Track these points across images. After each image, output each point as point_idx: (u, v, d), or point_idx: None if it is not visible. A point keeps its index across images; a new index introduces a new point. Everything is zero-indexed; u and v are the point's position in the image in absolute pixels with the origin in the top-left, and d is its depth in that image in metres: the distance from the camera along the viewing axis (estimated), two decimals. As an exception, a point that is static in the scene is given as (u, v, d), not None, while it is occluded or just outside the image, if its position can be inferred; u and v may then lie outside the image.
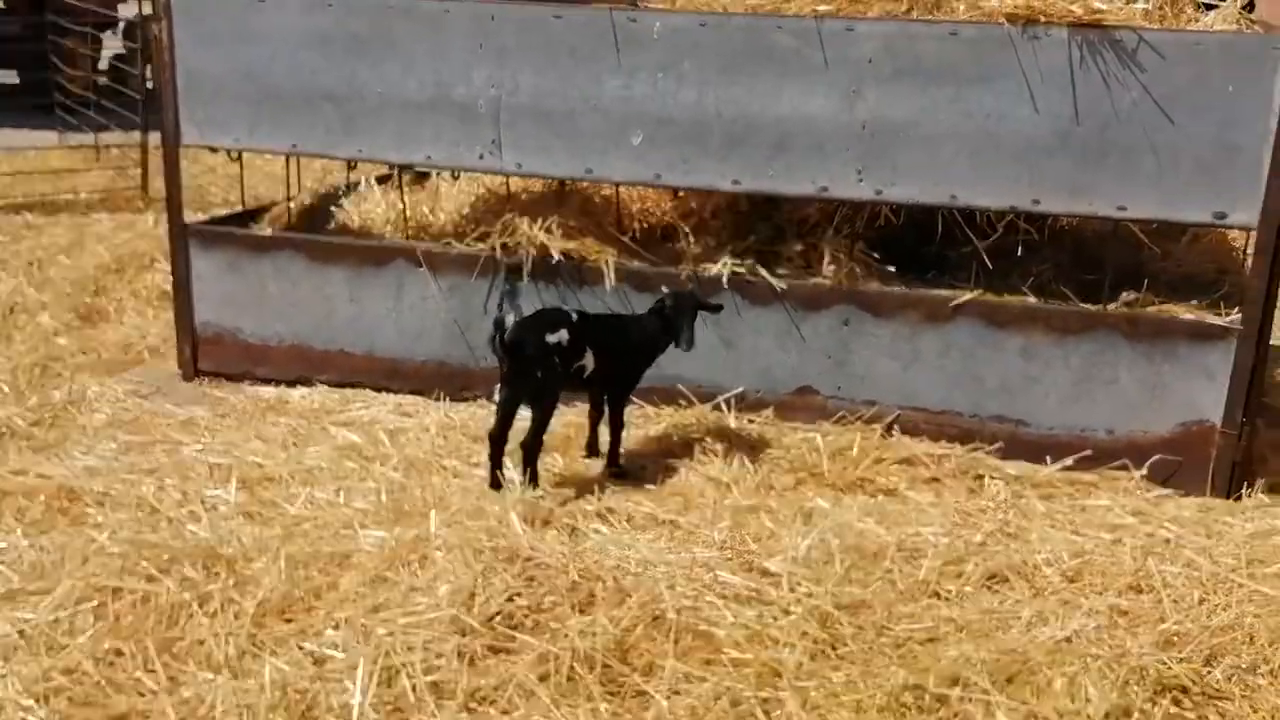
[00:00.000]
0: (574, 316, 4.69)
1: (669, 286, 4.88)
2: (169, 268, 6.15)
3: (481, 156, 5.31)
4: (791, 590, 3.89)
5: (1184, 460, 4.83)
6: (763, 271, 5.20)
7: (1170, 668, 3.46)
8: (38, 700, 3.28)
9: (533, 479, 4.60)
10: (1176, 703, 3.38)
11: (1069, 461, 4.94)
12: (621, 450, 4.95)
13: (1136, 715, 3.26)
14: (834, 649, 3.63)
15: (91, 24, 11.55)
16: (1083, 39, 4.52)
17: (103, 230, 8.52)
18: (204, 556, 3.96)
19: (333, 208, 6.31)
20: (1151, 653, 3.53)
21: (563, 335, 4.55)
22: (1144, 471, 4.87)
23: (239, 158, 5.99)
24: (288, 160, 6.17)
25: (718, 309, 4.85)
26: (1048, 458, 4.96)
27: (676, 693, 3.41)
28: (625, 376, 4.91)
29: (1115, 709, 3.28)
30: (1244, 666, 3.56)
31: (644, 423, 5.35)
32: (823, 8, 5.08)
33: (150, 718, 3.23)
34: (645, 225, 5.73)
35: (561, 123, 5.15)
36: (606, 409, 4.94)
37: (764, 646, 3.59)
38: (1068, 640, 3.61)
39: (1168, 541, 4.44)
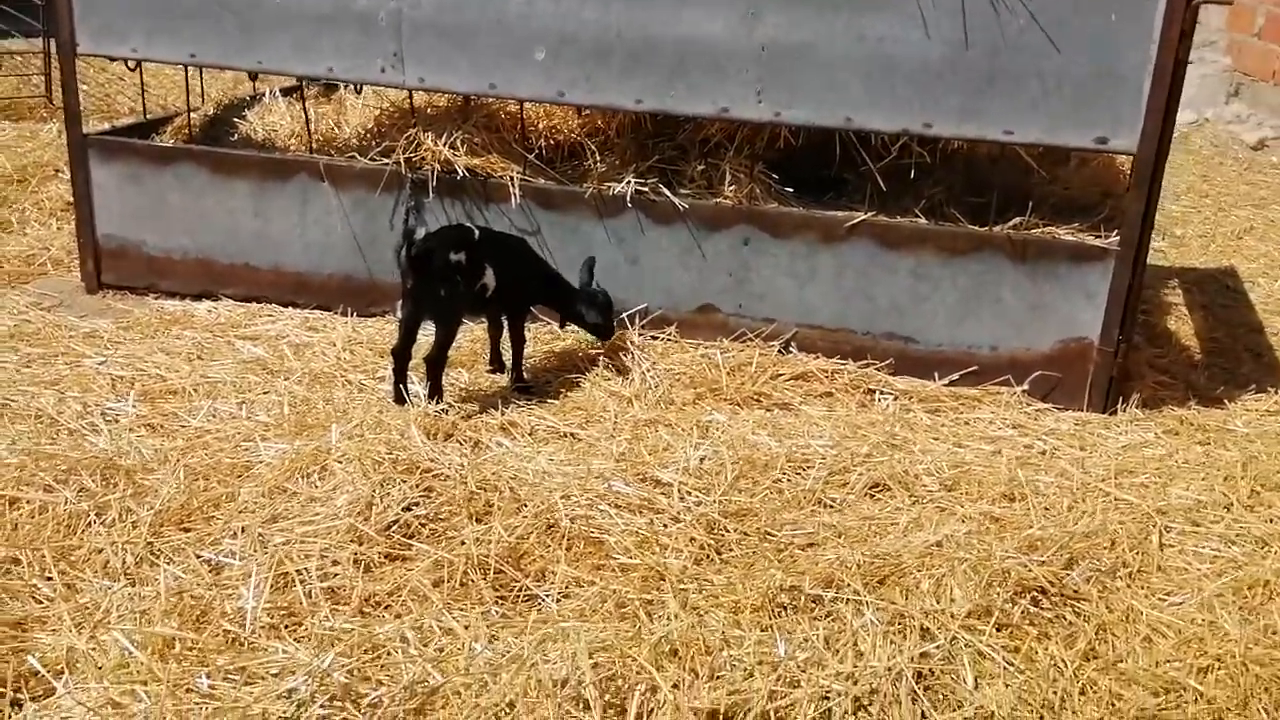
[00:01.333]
0: (476, 234, 4.74)
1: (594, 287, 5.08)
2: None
3: (384, 70, 5.27)
4: (681, 499, 4.05)
5: (1063, 376, 5.06)
6: (666, 191, 5.28)
7: (1031, 570, 3.67)
8: (-68, 608, 3.34)
9: (436, 394, 4.68)
10: (1035, 602, 3.59)
11: (955, 377, 5.15)
12: (526, 365, 5.05)
13: (996, 614, 3.46)
14: (719, 554, 3.81)
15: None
16: (975, -36, 4.62)
17: (5, 139, 8.25)
18: (103, 467, 3.99)
19: (236, 119, 6.22)
20: (1015, 556, 3.74)
21: (462, 255, 4.60)
22: (1025, 387, 5.09)
23: (138, 67, 5.86)
24: (187, 71, 6.05)
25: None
26: (935, 374, 5.16)
27: (566, 596, 3.57)
28: (526, 296, 4.99)
29: (977, 608, 3.48)
30: (1103, 569, 3.78)
31: (549, 339, 5.45)
32: (724, -72, 5.09)
33: (47, 623, 3.30)
34: (552, 142, 5.74)
35: (464, 37, 5.13)
36: (507, 326, 5.03)
37: (652, 552, 3.75)
38: (938, 545, 3.80)
39: (1043, 453, 4.68)
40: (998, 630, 3.43)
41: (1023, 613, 3.53)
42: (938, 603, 3.51)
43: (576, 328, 5.24)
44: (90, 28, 5.50)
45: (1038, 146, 5.00)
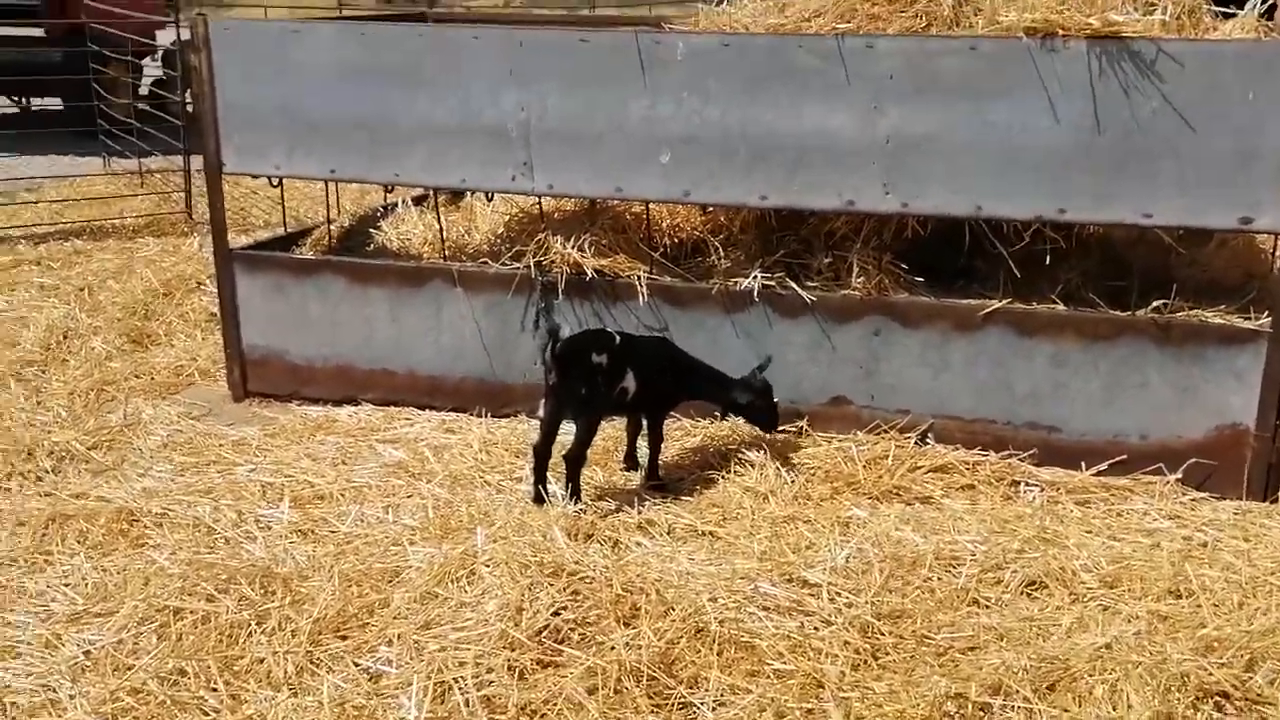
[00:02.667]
0: (616, 339, 4.80)
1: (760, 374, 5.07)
2: (215, 291, 6.33)
3: (514, 178, 5.43)
4: (832, 600, 3.98)
5: (1218, 463, 4.87)
6: (792, 284, 5.29)
7: (1211, 673, 3.51)
8: (107, 720, 3.44)
9: (575, 493, 4.71)
10: (1219, 708, 3.43)
11: (1103, 467, 4.99)
12: (660, 463, 5.06)
13: (1179, 720, 3.32)
14: (875, 658, 3.72)
15: (131, 51, 11.80)
16: (1101, 50, 4.58)
17: (149, 254, 8.73)
18: (260, 575, 4.10)
19: (371, 229, 6.46)
20: (1192, 658, 3.57)
21: (604, 358, 4.66)
22: (1179, 475, 4.91)
23: (279, 183, 6.15)
24: (326, 185, 6.32)
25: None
26: (1082, 464, 5.01)
27: (721, 704, 3.51)
28: (664, 398, 5.01)
29: (1157, 715, 3.33)
30: (1286, 671, 3.61)
31: (681, 435, 5.45)
32: (843, 26, 5.16)
33: (216, 735, 3.37)
34: (676, 240, 5.82)
35: (590, 144, 5.27)
36: (645, 423, 5.05)
37: (806, 657, 3.67)
38: (1108, 647, 3.65)
39: (1205, 545, 4.48)
40: (1181, 738, 3.27)
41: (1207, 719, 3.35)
42: (1114, 710, 3.37)
43: (738, 418, 5.19)
44: (234, 148, 5.80)
45: (1178, 229, 4.89)
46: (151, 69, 14.21)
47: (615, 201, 5.70)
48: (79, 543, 4.51)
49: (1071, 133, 4.67)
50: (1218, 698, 3.43)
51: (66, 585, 4.21)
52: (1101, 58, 4.57)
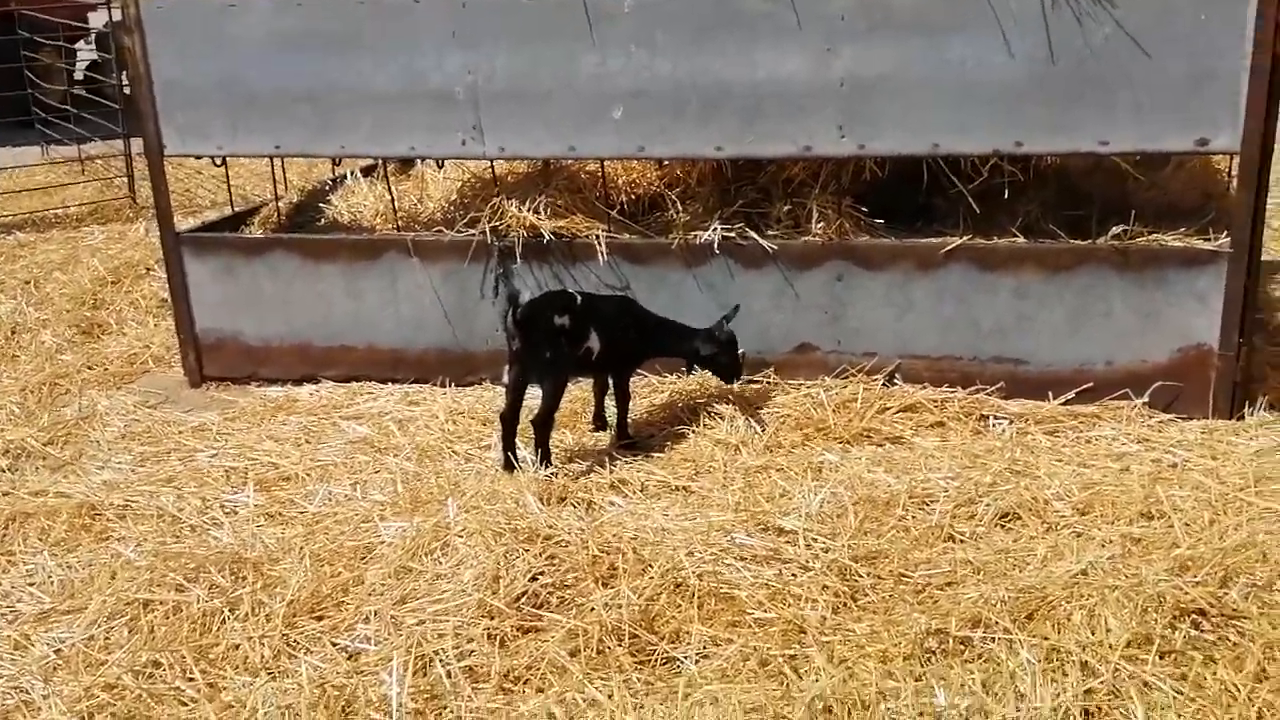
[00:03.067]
0: (578, 299, 4.73)
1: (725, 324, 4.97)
2: (165, 276, 6.18)
3: (464, 143, 5.32)
4: (808, 546, 3.96)
5: (1184, 385, 4.90)
6: (753, 234, 5.24)
7: (1187, 592, 3.52)
8: (82, 718, 3.36)
9: (545, 457, 4.67)
10: (1196, 626, 3.44)
11: (1070, 395, 5.01)
12: (629, 421, 5.02)
13: (1158, 641, 3.31)
14: (855, 600, 3.71)
15: (63, 36, 11.49)
16: (1053, -22, 4.54)
17: (95, 243, 8.54)
18: (230, 562, 4.02)
19: (321, 204, 6.34)
20: (1167, 578, 3.59)
21: (567, 319, 4.60)
22: (1145, 399, 4.94)
23: (223, 162, 6.00)
24: (271, 161, 6.18)
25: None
26: (1049, 394, 5.03)
27: (705, 656, 3.49)
28: (629, 356, 4.96)
29: (1136, 637, 3.34)
30: (1260, 584, 3.61)
31: (648, 393, 5.41)
32: (792, -33, 5.08)
33: (195, 725, 3.31)
34: (633, 197, 5.75)
35: (540, 103, 5.17)
36: (611, 383, 5.00)
37: (786, 604, 3.66)
38: (1083, 573, 3.68)
39: (1174, 466, 4.52)
40: (1161, 658, 3.29)
41: (1184, 638, 3.38)
42: (1093, 635, 3.38)
43: (704, 371, 5.14)
44: (175, 129, 5.64)
45: (1135, 154, 4.88)
46: (84, 53, 13.84)
47: (569, 161, 5.61)
48: (41, 540, 4.41)
49: (1026, 64, 4.64)
50: (1194, 615, 3.45)
51: (31, 585, 4.11)
52: (1052, -14, 4.53)
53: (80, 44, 13.25)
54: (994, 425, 4.92)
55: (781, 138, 4.98)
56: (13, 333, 6.74)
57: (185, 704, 3.41)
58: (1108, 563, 3.74)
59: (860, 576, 3.81)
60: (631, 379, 5.05)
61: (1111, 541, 3.93)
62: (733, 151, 5.10)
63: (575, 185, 5.64)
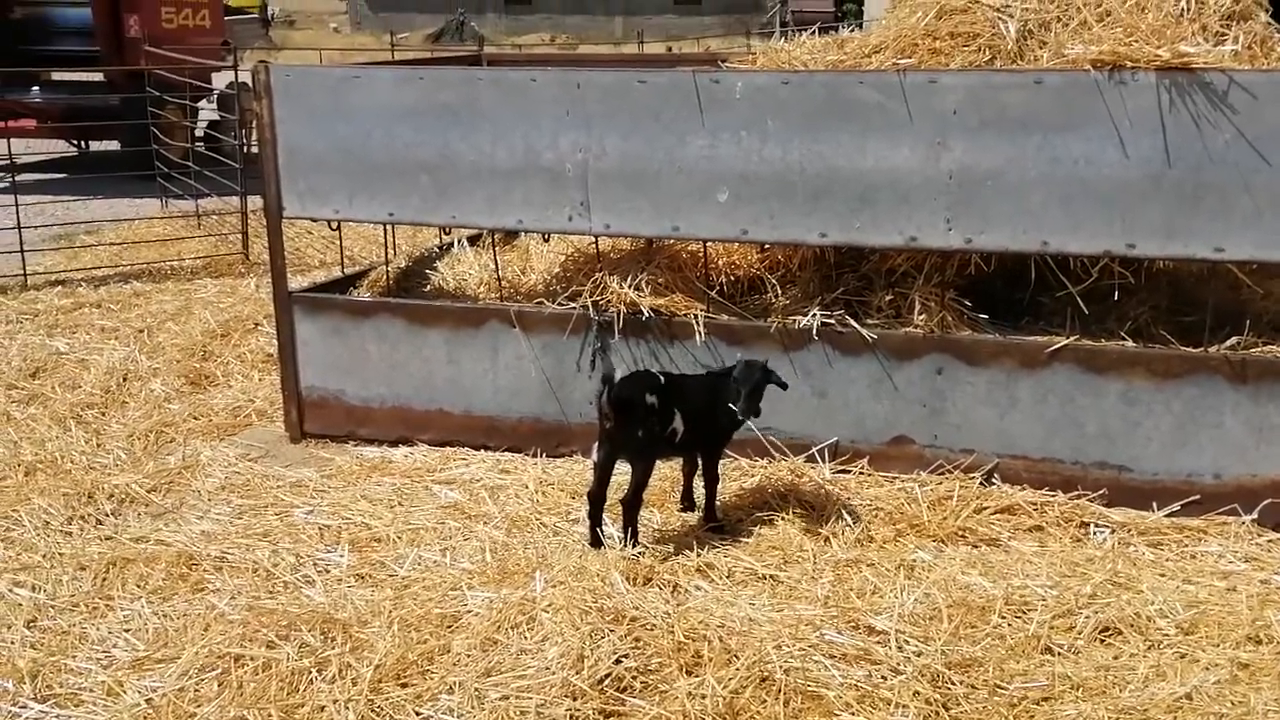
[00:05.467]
0: (662, 380, 4.74)
1: (746, 357, 4.86)
2: (273, 332, 6.36)
3: (571, 218, 5.42)
4: (900, 648, 3.88)
5: (1296, 504, 4.72)
6: (852, 322, 5.22)
7: (1297, 725, 3.39)
8: (171, 769, 3.42)
9: (633, 536, 4.66)
10: (1305, 760, 3.31)
11: (1176, 507, 4.85)
12: (718, 504, 4.99)
13: (1264, 775, 3.19)
14: (946, 709, 3.61)
15: (188, 95, 12.05)
16: (1171, 82, 4.49)
17: (207, 296, 8.83)
18: (320, 621, 4.08)
19: (427, 270, 6.48)
20: (1276, 708, 3.45)
21: (655, 398, 4.61)
22: (1254, 515, 4.76)
23: (338, 226, 6.19)
24: (385, 229, 6.36)
25: (784, 386, 4.81)
26: (1153, 504, 4.88)
27: (789, 756, 3.43)
28: (715, 435, 4.93)
29: (1240, 768, 3.22)
30: (1375, 720, 3.47)
31: (738, 476, 5.37)
32: (904, 61, 5.11)
33: (278, 785, 3.34)
34: (733, 278, 5.77)
35: (648, 183, 5.25)
36: (701, 464, 4.99)
37: (875, 708, 3.58)
38: (1188, 697, 3.56)
39: (1284, 588, 4.35)
40: (1271, 796, 3.13)
41: (1295, 775, 3.22)
42: (1198, 764, 3.24)
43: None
44: (295, 193, 5.84)
45: (1251, 263, 4.77)
46: (206, 112, 14.47)
47: (672, 240, 5.67)
48: (139, 587, 4.51)
49: (1141, 166, 4.58)
50: (1308, 752, 3.29)
51: (127, 631, 4.21)
52: (1171, 90, 4.49)
53: (203, 103, 13.87)
54: (1095, 534, 4.79)
55: (888, 228, 4.97)
56: (124, 379, 6.98)
57: (270, 763, 3.45)
58: (1213, 687, 3.60)
59: (953, 684, 3.71)
60: (722, 461, 5.02)
61: (1218, 665, 3.78)
62: (837, 239, 5.11)
63: (676, 264, 5.68)
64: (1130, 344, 4.92)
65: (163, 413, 6.47)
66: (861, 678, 3.72)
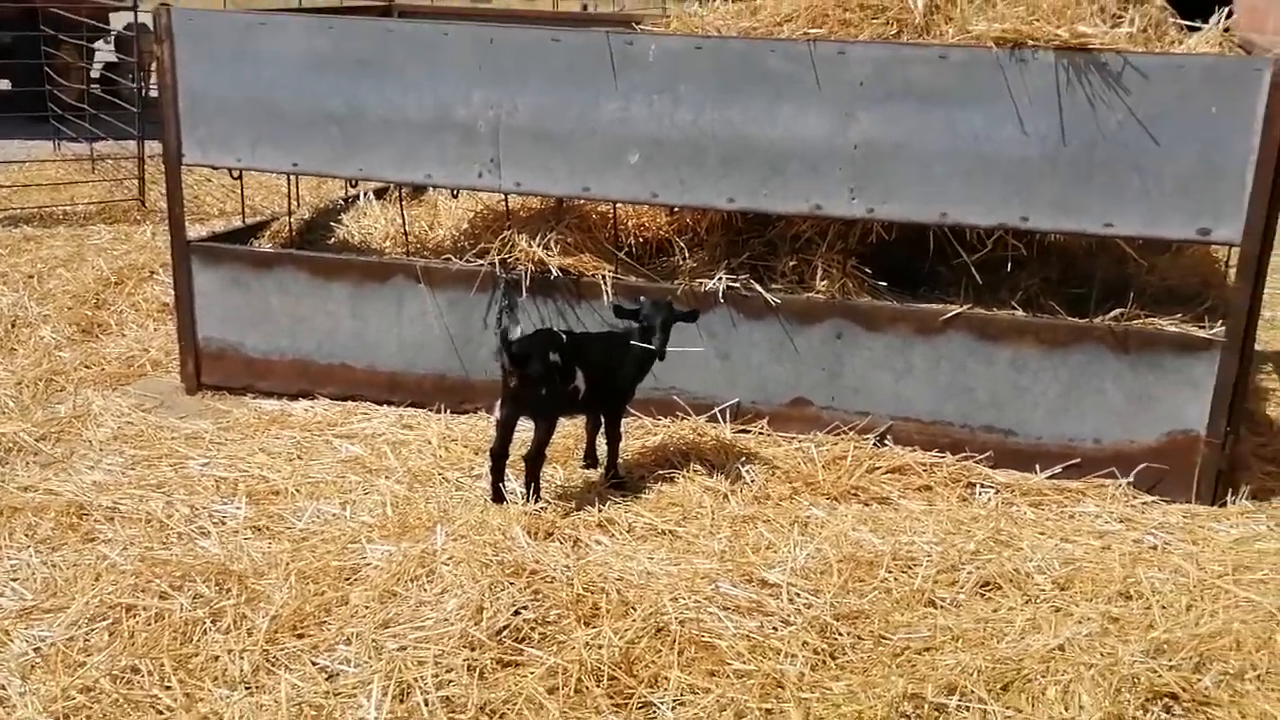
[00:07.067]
0: (564, 338, 4.77)
1: (645, 297, 4.96)
2: (169, 280, 6.21)
3: (480, 175, 5.39)
4: (791, 601, 4.00)
5: (1169, 468, 4.96)
6: (757, 286, 5.30)
7: (1161, 675, 3.57)
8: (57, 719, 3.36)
9: (535, 492, 4.70)
10: (1168, 709, 3.49)
11: (1057, 470, 5.06)
12: (620, 461, 5.05)
13: (1129, 721, 3.37)
14: (834, 658, 3.74)
15: (84, 35, 11.59)
16: (1069, 62, 4.64)
17: (101, 242, 8.56)
18: (215, 573, 4.04)
19: (332, 222, 6.39)
20: (1143, 660, 3.64)
21: (558, 356, 4.64)
22: (1130, 479, 5.00)
23: (240, 175, 6.06)
24: (289, 179, 6.24)
25: (693, 317, 4.93)
26: (1036, 467, 5.08)
27: (681, 704, 3.52)
28: (618, 392, 4.99)
29: (1108, 716, 3.39)
30: (1232, 672, 3.66)
31: (641, 434, 5.44)
32: (815, 31, 5.19)
33: (170, 734, 3.32)
34: (641, 240, 5.80)
35: (560, 143, 5.24)
36: (604, 422, 5.04)
37: (765, 657, 3.69)
38: (1060, 648, 3.71)
39: (1155, 548, 4.57)
40: (1132, 740, 3.32)
41: (1156, 721, 3.42)
42: (1066, 710, 3.42)
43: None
44: (196, 139, 5.70)
45: (1138, 239, 4.97)
46: (103, 53, 13.94)
47: (582, 201, 5.68)
48: (27, 536, 4.41)
49: (1038, 143, 4.73)
50: (1167, 699, 3.49)
51: (15, 580, 4.12)
52: (1069, 69, 4.63)
53: (100, 44, 13.35)
54: (980, 494, 4.97)
55: (794, 195, 5.06)
56: (13, 326, 6.75)
57: (161, 712, 3.42)
58: (1085, 639, 3.78)
59: (840, 635, 3.84)
60: (624, 419, 5.07)
61: (1090, 619, 3.97)
62: (745, 205, 5.18)
63: (586, 225, 5.70)
64: (1021, 313, 5.10)
65: (53, 360, 6.29)
66: (754, 628, 3.82)
